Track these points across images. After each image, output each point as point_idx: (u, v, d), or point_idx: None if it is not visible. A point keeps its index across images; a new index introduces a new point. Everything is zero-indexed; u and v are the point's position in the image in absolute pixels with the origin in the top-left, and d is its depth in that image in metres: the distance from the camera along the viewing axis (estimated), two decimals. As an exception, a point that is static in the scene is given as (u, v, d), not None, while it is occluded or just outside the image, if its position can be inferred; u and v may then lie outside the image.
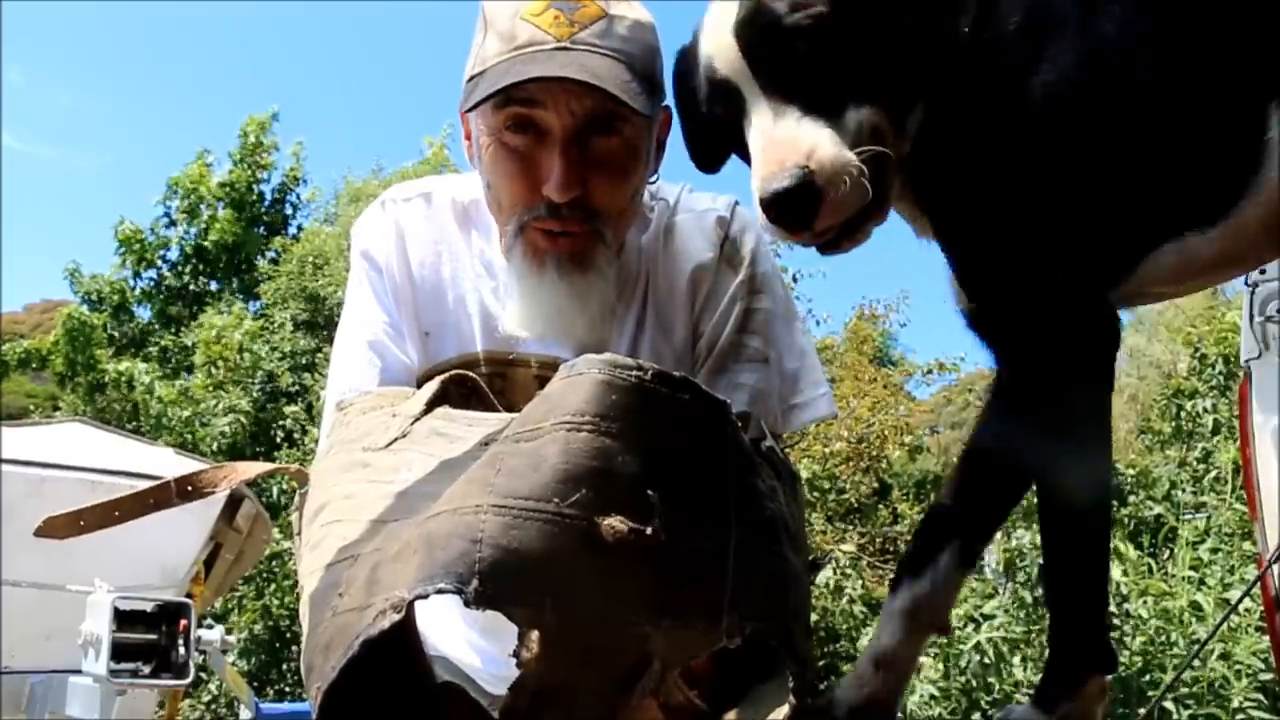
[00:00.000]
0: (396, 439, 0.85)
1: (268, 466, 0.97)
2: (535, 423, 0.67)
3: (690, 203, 1.21)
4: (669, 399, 0.68)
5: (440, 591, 0.62)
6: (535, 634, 0.65)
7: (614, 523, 0.62)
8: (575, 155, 1.01)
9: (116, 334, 12.74)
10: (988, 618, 5.41)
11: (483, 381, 1.04)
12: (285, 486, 8.74)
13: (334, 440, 0.92)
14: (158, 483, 0.93)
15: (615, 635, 0.65)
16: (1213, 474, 6.29)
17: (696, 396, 0.69)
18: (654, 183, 1.16)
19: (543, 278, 1.05)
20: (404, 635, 0.71)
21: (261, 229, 13.27)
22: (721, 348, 1.15)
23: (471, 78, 1.04)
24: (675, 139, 1.13)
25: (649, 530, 0.63)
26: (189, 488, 0.92)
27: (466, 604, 0.61)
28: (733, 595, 0.66)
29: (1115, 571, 5.15)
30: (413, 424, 0.86)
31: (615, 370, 0.67)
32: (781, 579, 0.71)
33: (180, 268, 13.11)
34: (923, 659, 5.67)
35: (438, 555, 0.63)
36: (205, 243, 12.92)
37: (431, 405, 0.89)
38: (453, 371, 0.97)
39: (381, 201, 1.22)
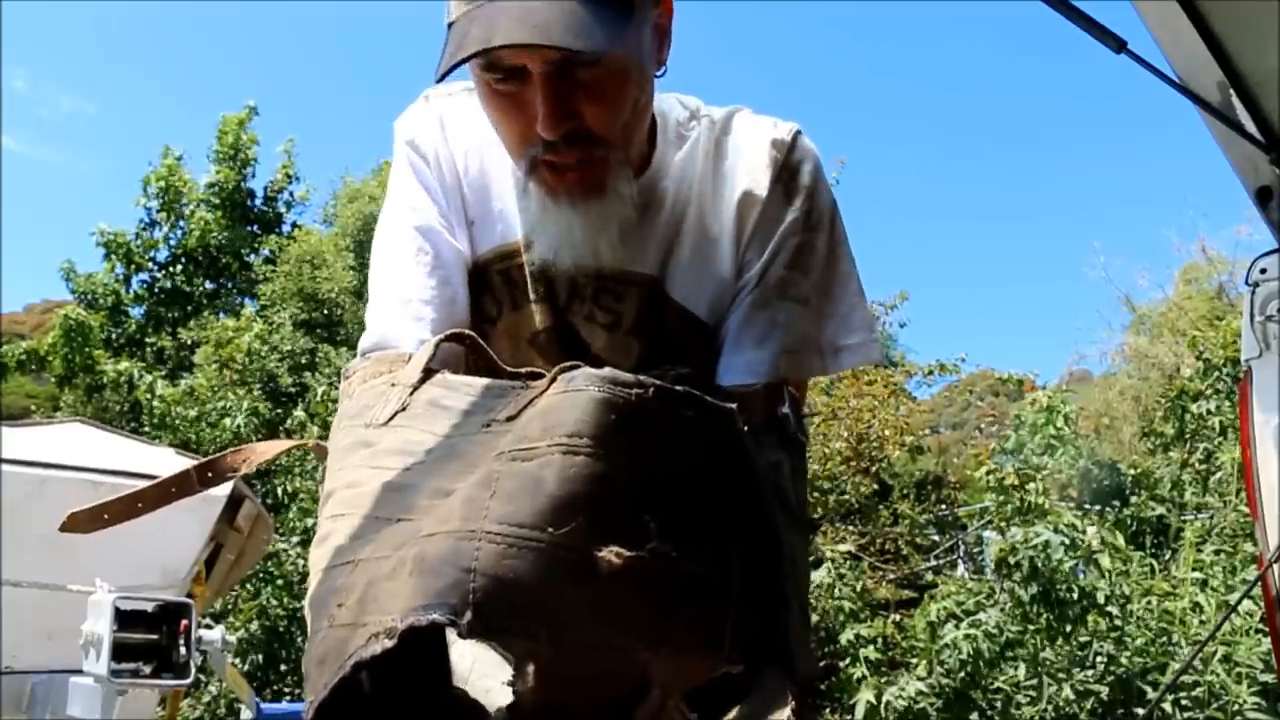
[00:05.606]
0: (396, 413, 0.82)
1: (286, 444, 0.95)
2: (532, 441, 0.66)
3: (746, 125, 1.15)
4: (671, 417, 0.66)
5: (434, 623, 0.60)
6: (531, 665, 0.64)
7: (610, 557, 0.61)
8: (558, 90, 0.95)
9: (113, 335, 12.70)
10: (975, 611, 5.38)
11: (526, 268, 1.04)
12: (288, 488, 8.77)
13: (340, 414, 0.89)
14: (179, 471, 0.91)
15: (613, 663, 0.64)
16: (1216, 475, 6.27)
17: (701, 413, 0.67)
18: (661, 75, 1.08)
19: (559, 209, 1.03)
20: (399, 657, 0.69)
21: (253, 228, 13.21)
22: (767, 282, 1.09)
23: (449, 25, 0.97)
24: (679, 27, 1.06)
25: (647, 559, 0.62)
26: (209, 474, 0.91)
27: (460, 636, 0.60)
28: (735, 622, 0.64)
29: (1117, 573, 5.13)
30: (411, 394, 0.84)
31: (615, 388, 0.65)
32: (785, 601, 0.69)
33: (170, 269, 13.04)
34: (913, 658, 5.61)
35: (430, 583, 0.61)
36: (190, 243, 12.82)
37: (429, 371, 0.86)
38: (448, 331, 0.94)
39: (425, 95, 1.19)
